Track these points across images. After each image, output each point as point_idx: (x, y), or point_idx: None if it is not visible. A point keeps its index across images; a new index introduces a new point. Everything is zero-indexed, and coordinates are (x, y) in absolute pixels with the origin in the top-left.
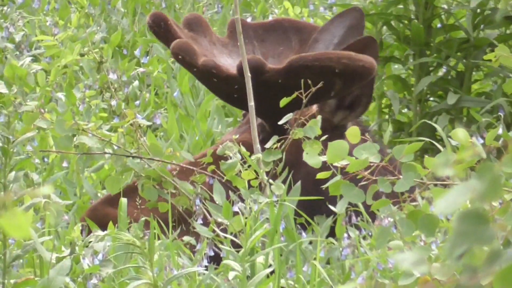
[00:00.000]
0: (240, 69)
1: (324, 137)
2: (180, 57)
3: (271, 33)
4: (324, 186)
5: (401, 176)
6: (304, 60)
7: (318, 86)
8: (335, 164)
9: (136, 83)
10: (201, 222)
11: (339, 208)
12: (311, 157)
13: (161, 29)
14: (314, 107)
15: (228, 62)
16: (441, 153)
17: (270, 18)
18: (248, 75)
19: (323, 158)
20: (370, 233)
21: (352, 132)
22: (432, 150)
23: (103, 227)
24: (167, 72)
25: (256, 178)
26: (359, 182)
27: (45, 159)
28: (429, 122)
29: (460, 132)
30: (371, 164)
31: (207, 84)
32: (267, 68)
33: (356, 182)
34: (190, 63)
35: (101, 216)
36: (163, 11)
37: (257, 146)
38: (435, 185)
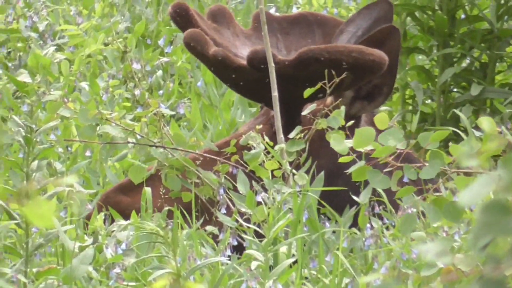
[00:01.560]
0: (250, 59)
1: (350, 123)
2: (191, 46)
3: (295, 26)
4: (348, 171)
5: (426, 164)
6: (313, 52)
7: (342, 76)
8: (360, 150)
9: (159, 72)
10: (224, 212)
11: (362, 198)
12: (338, 143)
13: (182, 18)
14: (329, 99)
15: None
16: (465, 141)
17: (294, 8)
18: (272, 65)
19: (350, 143)
20: (393, 223)
21: (380, 118)
22: (455, 141)
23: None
24: (191, 62)
25: (279, 168)
26: (382, 169)
27: (69, 148)
28: (456, 111)
29: (486, 121)
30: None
31: (218, 74)
32: (277, 59)
33: (379, 168)
34: (201, 53)
35: (113, 203)
36: (186, 1)
37: (281, 136)
38: (459, 174)
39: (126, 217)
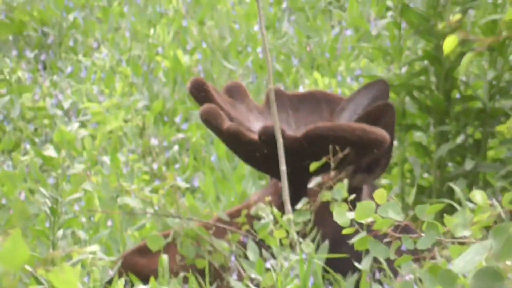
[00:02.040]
0: (260, 135)
1: (352, 197)
2: (207, 120)
3: (305, 103)
4: (351, 241)
5: (422, 234)
6: (319, 130)
7: (345, 152)
8: (361, 221)
9: (176, 147)
10: (236, 277)
11: (364, 265)
12: (340, 216)
13: (200, 93)
14: (332, 172)
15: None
16: (459, 212)
17: (301, 88)
18: (280, 141)
19: (352, 215)
20: None
21: (380, 193)
22: (450, 212)
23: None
24: (205, 138)
25: (287, 236)
26: (382, 239)
27: (91, 218)
28: (451, 184)
29: (478, 194)
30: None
31: (232, 147)
32: (286, 135)
33: (379, 238)
34: (216, 127)
35: (130, 265)
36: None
37: (288, 207)
38: (453, 243)
39: (143, 278)
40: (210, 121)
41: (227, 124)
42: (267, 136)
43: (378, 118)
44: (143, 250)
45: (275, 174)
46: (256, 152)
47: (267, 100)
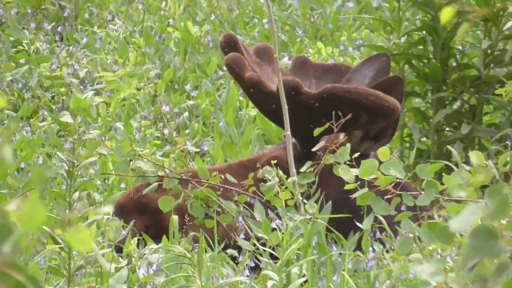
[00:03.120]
0: (278, 88)
1: (356, 154)
2: (231, 67)
3: (328, 74)
4: (353, 196)
5: (422, 192)
6: (336, 89)
7: (347, 117)
8: (364, 178)
9: (186, 114)
10: (243, 237)
11: (365, 224)
12: (345, 173)
13: (230, 49)
14: (341, 136)
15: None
16: (456, 172)
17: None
18: (285, 107)
19: (356, 172)
20: (392, 247)
21: (383, 151)
22: (447, 174)
23: (137, 211)
24: (214, 105)
25: (292, 198)
26: (383, 195)
27: (106, 181)
28: (448, 147)
29: (475, 155)
30: (397, 180)
31: (251, 97)
32: (303, 91)
33: (380, 195)
34: (239, 75)
35: (141, 196)
36: (210, 51)
37: (293, 170)
38: (450, 201)
39: (152, 209)
40: (234, 69)
41: (249, 73)
42: (287, 88)
43: (388, 90)
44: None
45: (292, 129)
46: (273, 105)
47: (294, 66)
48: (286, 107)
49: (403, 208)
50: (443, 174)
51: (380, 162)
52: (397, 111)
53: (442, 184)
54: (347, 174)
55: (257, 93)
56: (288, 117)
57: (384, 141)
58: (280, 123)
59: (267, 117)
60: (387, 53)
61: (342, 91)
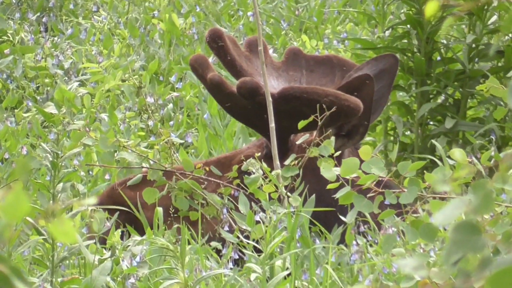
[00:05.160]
0: (238, 88)
1: (337, 153)
2: (194, 68)
3: (320, 66)
4: (335, 196)
5: (405, 190)
6: (294, 90)
7: (332, 110)
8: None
9: (170, 106)
10: (227, 229)
11: (349, 218)
12: (327, 171)
13: (215, 43)
14: (314, 133)
15: (271, 84)
16: (438, 169)
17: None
18: (269, 100)
19: (337, 171)
20: (376, 241)
21: (364, 150)
22: (431, 168)
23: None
24: (199, 96)
25: (275, 191)
26: (366, 193)
27: (90, 172)
28: (432, 141)
29: (457, 152)
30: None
31: (214, 97)
32: (262, 92)
33: (363, 193)
34: (202, 75)
35: (117, 195)
36: (195, 43)
37: (277, 162)
38: (434, 198)
39: (128, 208)
40: (197, 69)
41: (211, 74)
42: (245, 89)
43: (358, 88)
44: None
45: (255, 128)
46: (237, 105)
47: (286, 58)
48: (270, 99)
49: (387, 202)
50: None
51: (361, 160)
52: (358, 110)
53: (424, 181)
54: (329, 172)
55: (219, 93)
56: (252, 116)
57: (357, 139)
58: (245, 122)
59: (233, 116)
60: (395, 55)
61: (299, 92)
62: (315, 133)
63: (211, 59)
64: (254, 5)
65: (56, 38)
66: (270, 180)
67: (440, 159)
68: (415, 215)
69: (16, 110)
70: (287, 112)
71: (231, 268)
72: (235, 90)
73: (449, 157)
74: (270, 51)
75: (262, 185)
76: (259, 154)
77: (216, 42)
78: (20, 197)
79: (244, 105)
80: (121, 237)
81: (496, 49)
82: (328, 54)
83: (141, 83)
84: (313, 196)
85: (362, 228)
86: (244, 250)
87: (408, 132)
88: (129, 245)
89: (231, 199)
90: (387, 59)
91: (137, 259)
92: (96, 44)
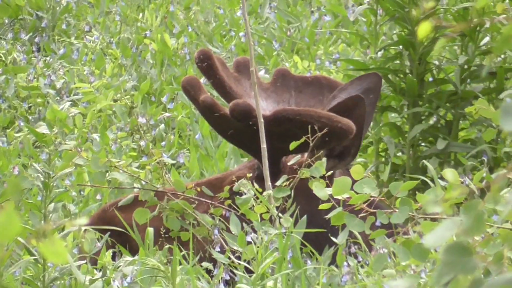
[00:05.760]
0: (231, 110)
1: (329, 173)
2: (186, 90)
3: (309, 87)
4: (327, 216)
5: (396, 210)
6: (287, 112)
7: (323, 132)
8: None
9: (162, 126)
10: (218, 249)
11: (340, 239)
12: (319, 190)
13: (204, 64)
14: (306, 155)
15: (261, 105)
16: (430, 190)
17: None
18: (261, 121)
19: (329, 191)
20: (367, 262)
21: (356, 169)
22: (422, 190)
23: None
24: (190, 117)
25: (267, 212)
26: (357, 213)
27: (81, 192)
28: (424, 161)
29: (449, 173)
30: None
31: (207, 119)
32: (255, 114)
33: (355, 214)
34: (194, 97)
35: (109, 217)
36: (187, 63)
37: (268, 183)
38: (425, 219)
39: (119, 231)
40: (189, 91)
41: (203, 96)
42: (238, 112)
43: (349, 110)
44: (121, 205)
45: (248, 150)
46: (229, 127)
47: (275, 79)
48: (262, 121)
49: (378, 223)
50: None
51: (353, 180)
52: (351, 132)
53: (416, 201)
54: (321, 191)
55: (211, 115)
56: (244, 138)
57: (348, 160)
58: (238, 144)
59: (225, 138)
60: (379, 73)
61: (292, 114)
62: (306, 154)
63: (203, 80)
64: (246, 25)
65: (48, 58)
66: (261, 201)
67: (432, 180)
68: (406, 236)
69: (8, 130)
70: (279, 134)
71: None
72: (227, 112)
73: (441, 178)
74: (262, 72)
75: (253, 205)
76: (251, 175)
77: (205, 62)
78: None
79: (236, 127)
80: (113, 258)
81: (488, 70)
82: (317, 74)
83: (133, 103)
84: (304, 217)
85: (353, 249)
86: (235, 271)
87: (399, 153)
88: (120, 266)
89: (222, 220)
90: (370, 78)
91: (128, 279)
92: (88, 64)
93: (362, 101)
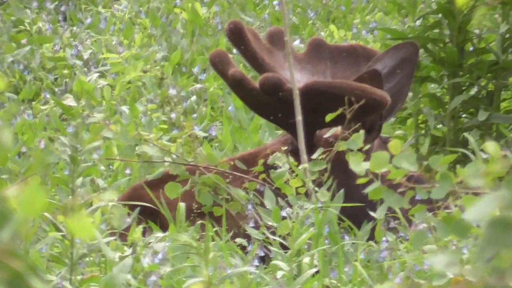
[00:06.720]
0: (261, 84)
1: (367, 147)
2: (215, 64)
3: (344, 57)
4: (365, 191)
5: (437, 185)
6: (318, 85)
7: (360, 103)
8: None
9: (193, 98)
10: (253, 225)
11: (379, 214)
12: (356, 165)
13: (236, 36)
14: (339, 128)
15: (295, 76)
16: (471, 163)
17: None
18: (296, 92)
19: (366, 165)
20: (406, 237)
21: (394, 144)
22: (463, 162)
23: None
24: (223, 88)
25: (303, 186)
26: (396, 188)
27: (110, 167)
28: (465, 134)
29: (491, 145)
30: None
31: (236, 94)
32: (286, 87)
33: (393, 188)
34: (223, 71)
35: (139, 196)
36: (219, 33)
37: (304, 156)
38: (467, 193)
39: (150, 209)
40: (217, 65)
41: (232, 70)
42: (268, 85)
43: (366, 83)
44: (151, 184)
45: (279, 123)
46: (259, 101)
47: (309, 49)
48: (297, 91)
49: (418, 197)
50: (458, 163)
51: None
52: (386, 103)
53: (457, 175)
54: (358, 166)
55: (241, 90)
56: (276, 112)
57: (374, 135)
58: (269, 118)
59: (256, 112)
60: (416, 42)
61: (324, 87)
62: (342, 127)
63: (236, 51)
64: None
65: (75, 28)
66: (297, 175)
67: (473, 152)
68: (447, 211)
69: (33, 103)
70: (311, 107)
71: (256, 266)
72: (258, 85)
73: (482, 150)
74: (297, 41)
75: (288, 179)
76: (285, 148)
77: (236, 34)
78: (37, 192)
79: (268, 101)
80: (143, 235)
81: None
82: (353, 44)
83: (163, 74)
84: (342, 191)
85: (392, 224)
86: (270, 247)
87: (439, 125)
88: (150, 242)
89: (256, 194)
90: (407, 48)
91: (159, 256)
92: (116, 34)
93: (378, 75)
